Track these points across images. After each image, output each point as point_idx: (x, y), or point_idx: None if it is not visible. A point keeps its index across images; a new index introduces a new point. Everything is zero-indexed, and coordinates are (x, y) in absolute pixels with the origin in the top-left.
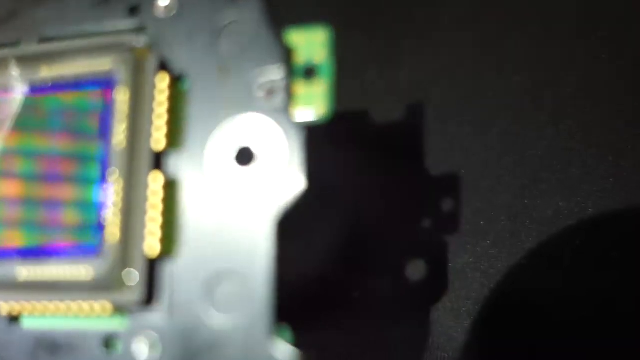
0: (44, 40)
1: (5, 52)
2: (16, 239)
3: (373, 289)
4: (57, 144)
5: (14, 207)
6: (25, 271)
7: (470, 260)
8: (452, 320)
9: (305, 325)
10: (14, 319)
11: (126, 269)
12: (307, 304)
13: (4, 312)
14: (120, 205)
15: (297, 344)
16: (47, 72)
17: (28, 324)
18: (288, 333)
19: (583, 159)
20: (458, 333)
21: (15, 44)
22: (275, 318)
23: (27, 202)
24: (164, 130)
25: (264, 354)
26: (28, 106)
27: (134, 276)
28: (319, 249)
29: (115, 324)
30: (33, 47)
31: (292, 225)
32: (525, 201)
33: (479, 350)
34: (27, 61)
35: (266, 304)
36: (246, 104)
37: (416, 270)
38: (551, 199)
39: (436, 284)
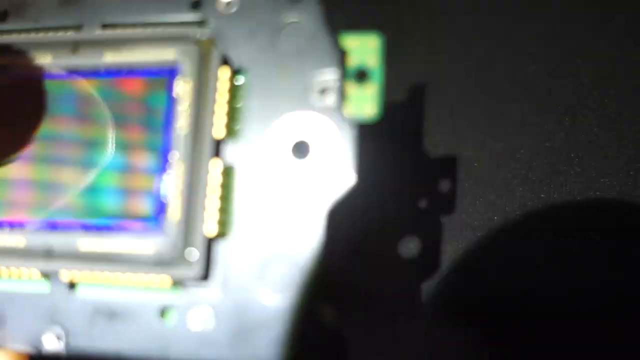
0: (106, 26)
1: (69, 35)
2: (80, 213)
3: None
4: (125, 133)
5: (85, 188)
6: (88, 242)
7: (484, 255)
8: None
9: (348, 307)
10: (73, 286)
11: (187, 247)
12: (351, 286)
13: (65, 279)
14: (181, 187)
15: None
16: (111, 58)
17: (87, 292)
18: (332, 313)
19: (603, 151)
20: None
21: (77, 27)
22: (321, 299)
23: (92, 184)
24: (224, 120)
25: (310, 331)
26: (89, 91)
27: (194, 253)
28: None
29: (171, 297)
30: (98, 32)
31: (338, 215)
32: (542, 195)
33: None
34: (92, 46)
35: (313, 285)
36: (301, 100)
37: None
38: (569, 193)
39: None
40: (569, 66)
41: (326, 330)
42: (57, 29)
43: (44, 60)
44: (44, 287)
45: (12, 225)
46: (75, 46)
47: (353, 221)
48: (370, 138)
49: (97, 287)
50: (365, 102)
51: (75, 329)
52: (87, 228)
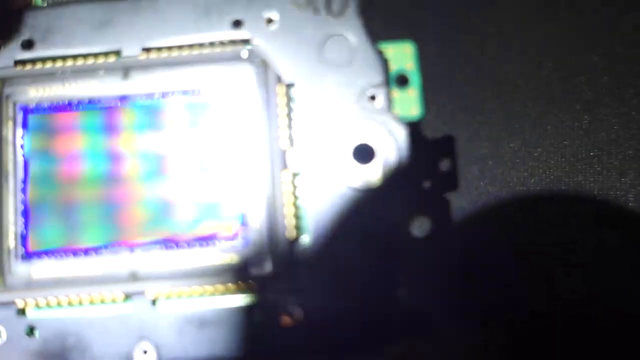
0: (147, 50)
1: (117, 60)
2: (160, 232)
3: None
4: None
5: (161, 205)
6: (171, 260)
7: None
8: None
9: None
10: (155, 301)
11: (270, 253)
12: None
13: (149, 297)
14: (260, 198)
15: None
16: (162, 80)
17: (170, 305)
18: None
19: (622, 150)
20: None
21: (115, 52)
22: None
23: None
24: (286, 132)
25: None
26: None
27: (278, 259)
28: None
29: (256, 298)
30: (143, 56)
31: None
32: (560, 195)
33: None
34: (141, 70)
35: (390, 282)
36: (352, 107)
37: None
38: (588, 191)
39: None
40: (587, 63)
41: (407, 308)
42: (95, 55)
43: (90, 88)
44: (126, 307)
45: (87, 252)
46: (125, 72)
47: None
48: (418, 136)
49: (180, 300)
50: (409, 104)
51: (165, 341)
52: (168, 246)
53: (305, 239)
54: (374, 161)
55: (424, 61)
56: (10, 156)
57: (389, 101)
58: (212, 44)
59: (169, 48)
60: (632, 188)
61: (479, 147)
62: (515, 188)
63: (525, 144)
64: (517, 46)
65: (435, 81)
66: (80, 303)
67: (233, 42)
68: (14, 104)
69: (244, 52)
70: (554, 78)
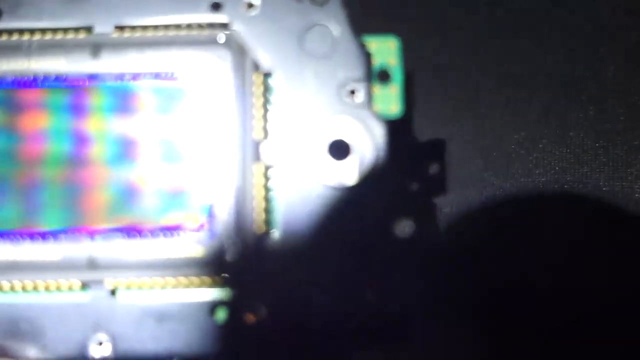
0: (120, 28)
1: (88, 36)
2: (123, 219)
3: None
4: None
5: (126, 191)
6: (133, 249)
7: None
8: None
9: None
10: (114, 292)
11: (237, 247)
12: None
13: (108, 287)
14: (229, 190)
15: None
16: (135, 61)
17: (130, 296)
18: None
19: (628, 140)
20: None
21: (87, 29)
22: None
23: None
24: (261, 122)
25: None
26: (122, 93)
27: (245, 252)
28: None
29: (220, 294)
30: (115, 35)
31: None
32: (565, 186)
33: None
34: (113, 49)
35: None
36: (332, 101)
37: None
38: (594, 183)
39: None
40: (593, 54)
41: (373, 308)
42: (64, 30)
43: (57, 64)
44: (83, 295)
45: (44, 236)
46: (95, 49)
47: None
48: (396, 134)
49: (141, 291)
50: (390, 101)
51: (122, 333)
52: (131, 234)
53: (275, 234)
54: (350, 158)
55: (427, 52)
56: None
57: (370, 97)
58: (189, 26)
59: (144, 27)
60: (639, 179)
61: (483, 138)
62: (520, 180)
63: (530, 136)
64: (522, 38)
65: (440, 72)
66: (36, 289)
67: (211, 26)
68: None
69: (221, 37)
70: (559, 69)
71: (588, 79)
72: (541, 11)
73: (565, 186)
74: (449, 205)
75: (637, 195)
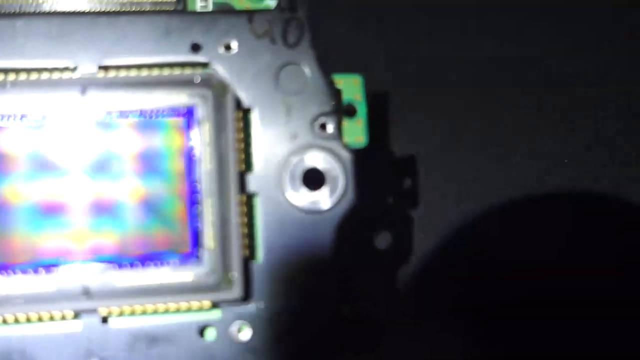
0: (104, 68)
1: (71, 76)
2: (115, 247)
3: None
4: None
5: (115, 217)
6: (124, 278)
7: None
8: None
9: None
10: (106, 319)
11: (225, 271)
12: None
13: (101, 314)
14: (214, 218)
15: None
16: (118, 101)
17: (121, 322)
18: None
19: (593, 158)
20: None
21: (71, 69)
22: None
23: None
24: (241, 155)
25: (337, 329)
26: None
27: (234, 276)
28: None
29: (209, 316)
30: (100, 74)
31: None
32: (534, 197)
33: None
34: (100, 88)
35: (335, 299)
36: (305, 134)
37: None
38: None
39: None
40: (560, 71)
41: (352, 323)
42: (50, 70)
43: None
44: (76, 324)
45: (37, 269)
46: (84, 88)
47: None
48: (364, 162)
49: (132, 317)
50: (356, 133)
51: (115, 358)
52: (122, 264)
53: (258, 259)
54: (323, 185)
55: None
56: None
57: (339, 129)
58: (170, 66)
59: (127, 67)
60: (605, 193)
61: (461, 153)
62: (495, 193)
63: (505, 150)
64: (500, 58)
65: (411, 92)
66: (28, 321)
67: (192, 65)
68: None
69: (197, 77)
70: (533, 87)
71: (560, 96)
72: (505, 33)
73: (535, 197)
74: (424, 217)
75: (605, 208)
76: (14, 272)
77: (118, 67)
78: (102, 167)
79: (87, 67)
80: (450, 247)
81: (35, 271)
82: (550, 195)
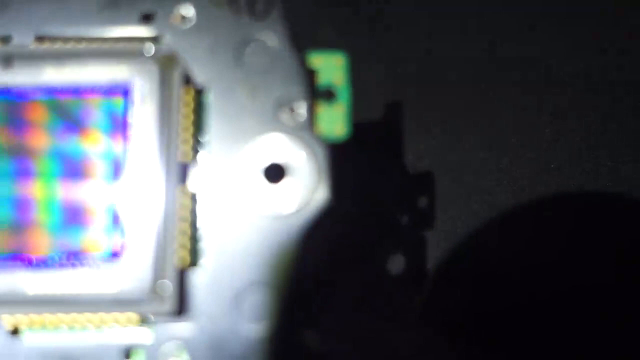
0: (41, 38)
1: (2, 47)
2: (30, 246)
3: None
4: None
5: (30, 211)
6: (36, 282)
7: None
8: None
9: (327, 326)
10: (16, 332)
11: (157, 280)
12: (326, 306)
13: (7, 326)
14: (148, 216)
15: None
16: (52, 75)
17: (34, 338)
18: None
19: (582, 162)
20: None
21: (4, 38)
22: (302, 324)
23: (47, 205)
24: (190, 142)
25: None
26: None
27: (166, 287)
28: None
29: (136, 335)
30: (33, 46)
31: (315, 238)
32: (528, 204)
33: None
34: (28, 60)
35: (292, 311)
36: (270, 120)
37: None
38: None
39: None
40: (552, 76)
41: (310, 356)
42: None
43: None
44: None
45: None
46: (7, 60)
47: (332, 242)
48: (344, 157)
49: (47, 332)
50: (335, 121)
51: None
52: (34, 265)
53: (201, 267)
54: (287, 184)
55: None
56: None
57: (311, 116)
58: (116, 40)
59: (65, 39)
60: (594, 197)
61: (450, 157)
62: (483, 197)
63: (494, 154)
64: (489, 62)
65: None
66: None
67: (140, 39)
68: None
69: (149, 49)
70: (522, 91)
71: (548, 100)
72: (507, 29)
73: (527, 202)
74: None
75: (598, 211)
76: None
77: (55, 39)
78: (18, 159)
79: (22, 38)
80: (451, 250)
81: None
82: (551, 197)
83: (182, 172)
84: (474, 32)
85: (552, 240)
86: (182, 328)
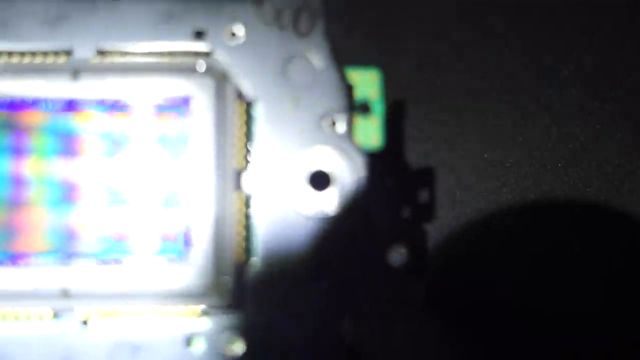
0: (102, 53)
1: (66, 60)
2: (99, 247)
3: None
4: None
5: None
6: (108, 278)
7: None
8: None
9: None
10: (86, 322)
11: (217, 276)
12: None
13: (80, 317)
14: (208, 219)
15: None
16: (115, 88)
17: (103, 326)
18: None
19: (587, 161)
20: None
21: (67, 52)
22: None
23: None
24: (242, 151)
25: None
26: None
27: (226, 282)
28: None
29: (196, 325)
30: (96, 59)
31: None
32: (532, 204)
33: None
34: (92, 73)
35: (334, 308)
36: (313, 131)
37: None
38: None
39: None
40: (556, 77)
41: (349, 345)
42: (44, 53)
43: (36, 86)
44: (54, 325)
45: (16, 259)
46: (75, 73)
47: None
48: (376, 166)
49: (114, 322)
50: (371, 133)
51: None
52: (107, 261)
53: (254, 264)
54: (330, 189)
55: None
56: None
57: (350, 128)
58: (171, 54)
59: (125, 53)
60: (596, 198)
61: (454, 158)
62: (487, 198)
63: (498, 155)
64: (490, 61)
65: (412, 94)
66: (4, 318)
67: (194, 54)
68: None
69: (201, 65)
70: (525, 93)
71: (553, 101)
72: (507, 36)
73: (532, 204)
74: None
75: (594, 212)
76: None
77: (115, 53)
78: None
79: (84, 52)
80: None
81: (14, 265)
82: (550, 198)
83: (237, 179)
84: (477, 34)
85: (552, 239)
86: (238, 319)
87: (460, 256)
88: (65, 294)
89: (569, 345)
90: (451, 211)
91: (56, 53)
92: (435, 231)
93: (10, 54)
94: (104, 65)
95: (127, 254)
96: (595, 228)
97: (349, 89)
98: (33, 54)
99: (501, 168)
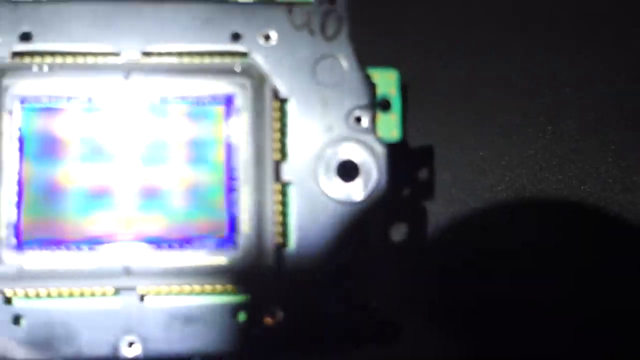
0: (147, 54)
1: (116, 61)
2: (158, 230)
3: None
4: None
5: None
6: (164, 258)
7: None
8: None
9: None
10: (143, 297)
11: (259, 257)
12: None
13: (140, 292)
14: (249, 205)
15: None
16: (160, 87)
17: (158, 301)
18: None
19: (581, 159)
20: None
21: (115, 54)
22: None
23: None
24: (278, 144)
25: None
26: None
27: (267, 262)
28: None
29: (242, 299)
30: (143, 60)
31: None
32: (526, 199)
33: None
34: (143, 73)
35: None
36: (340, 126)
37: None
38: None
39: None
40: (551, 78)
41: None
42: (94, 54)
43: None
44: (115, 300)
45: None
46: (128, 73)
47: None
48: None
49: (169, 297)
50: (391, 127)
51: (151, 335)
52: (162, 246)
53: (291, 245)
54: (357, 177)
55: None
56: (5, 148)
57: (373, 123)
58: (210, 55)
59: (168, 54)
60: (590, 196)
61: (451, 155)
62: (484, 195)
63: (494, 153)
64: (489, 63)
65: (416, 95)
66: (71, 295)
67: (231, 55)
68: (11, 96)
69: (237, 66)
70: (521, 92)
71: (547, 100)
72: (506, 41)
73: (526, 200)
74: (437, 212)
75: (587, 209)
76: (60, 249)
77: (160, 54)
78: (151, 153)
79: (131, 53)
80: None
81: (80, 249)
82: (550, 199)
83: (275, 170)
84: (476, 35)
85: (552, 239)
86: (277, 292)
87: (457, 254)
88: (127, 273)
89: (568, 344)
90: (447, 209)
91: (105, 54)
92: (431, 230)
93: (64, 54)
94: (151, 65)
95: (183, 240)
96: (591, 226)
97: (372, 87)
98: (84, 54)
99: (497, 166)
